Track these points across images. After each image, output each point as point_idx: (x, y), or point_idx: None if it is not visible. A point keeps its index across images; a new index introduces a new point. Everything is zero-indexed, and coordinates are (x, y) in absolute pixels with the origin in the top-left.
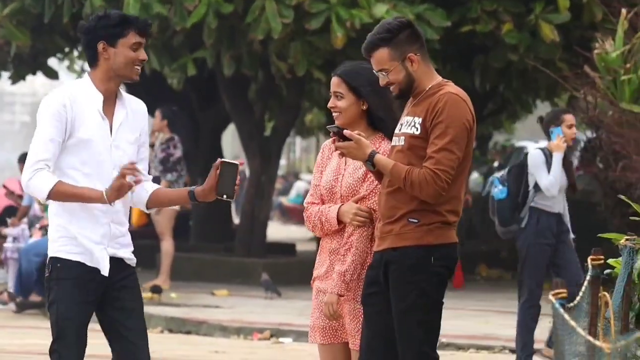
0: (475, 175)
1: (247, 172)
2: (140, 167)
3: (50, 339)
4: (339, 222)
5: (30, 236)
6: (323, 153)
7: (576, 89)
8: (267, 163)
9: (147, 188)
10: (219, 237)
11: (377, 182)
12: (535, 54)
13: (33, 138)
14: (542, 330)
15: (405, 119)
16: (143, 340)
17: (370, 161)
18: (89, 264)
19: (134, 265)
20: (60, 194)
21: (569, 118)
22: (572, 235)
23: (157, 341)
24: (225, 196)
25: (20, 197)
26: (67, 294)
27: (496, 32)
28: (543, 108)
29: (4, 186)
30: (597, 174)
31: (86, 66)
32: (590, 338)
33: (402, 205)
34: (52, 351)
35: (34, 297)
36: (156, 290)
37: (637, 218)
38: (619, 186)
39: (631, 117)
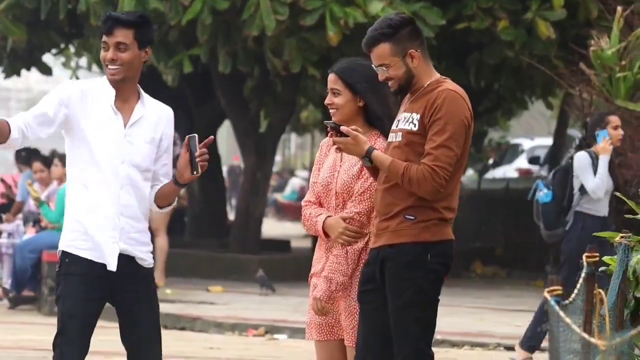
0: (470, 172)
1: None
2: (162, 171)
3: (44, 335)
4: (326, 234)
5: (25, 232)
6: (321, 151)
7: (571, 86)
8: (262, 160)
9: (157, 189)
10: (214, 233)
11: (371, 179)
12: (531, 51)
13: None
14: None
15: (402, 115)
16: (154, 343)
17: (367, 157)
18: (97, 260)
19: (149, 266)
20: None
21: (614, 120)
22: None
23: None
24: (194, 172)
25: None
26: (73, 290)
27: (492, 29)
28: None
29: (2, 180)
30: None
31: (81, 62)
32: (586, 335)
33: (399, 201)
34: (55, 346)
35: (28, 293)
36: None
37: (632, 215)
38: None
39: (626, 115)
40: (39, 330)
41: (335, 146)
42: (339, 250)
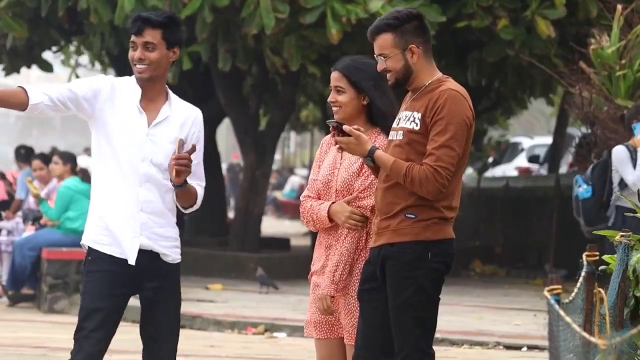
0: (469, 171)
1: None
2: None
3: (43, 333)
4: (330, 220)
5: (24, 230)
6: (322, 148)
7: (571, 85)
8: (261, 158)
9: None
10: (214, 231)
11: (372, 177)
12: (531, 49)
13: None
14: (538, 326)
15: (403, 113)
16: (169, 339)
17: (370, 157)
18: (118, 255)
19: (174, 262)
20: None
21: None
22: None
23: None
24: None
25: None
26: (94, 285)
27: (492, 27)
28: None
29: (3, 175)
30: None
31: (81, 60)
32: (586, 334)
33: (400, 200)
34: (74, 340)
35: (27, 290)
36: None
37: (631, 214)
38: None
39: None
40: (38, 328)
41: (338, 145)
42: (339, 247)
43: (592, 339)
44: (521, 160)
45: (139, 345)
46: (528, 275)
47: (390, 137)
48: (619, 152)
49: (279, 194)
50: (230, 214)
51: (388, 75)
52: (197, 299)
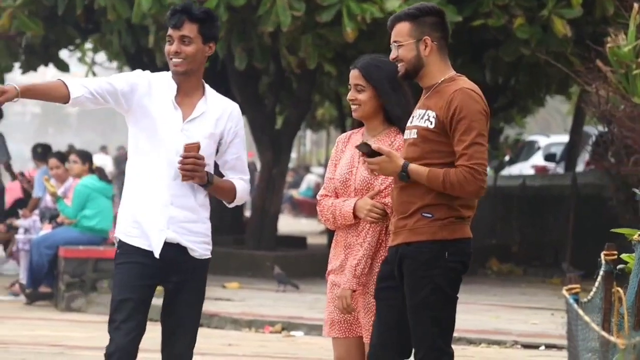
0: None
1: (258, 165)
2: (226, 166)
3: (60, 331)
4: (355, 216)
5: (41, 228)
6: (337, 146)
7: (588, 83)
8: (278, 156)
9: None
10: (230, 230)
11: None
12: (547, 48)
13: None
14: (556, 325)
15: (417, 111)
16: (188, 333)
17: (404, 171)
18: (145, 247)
19: (202, 258)
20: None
21: None
22: None
23: None
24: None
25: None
26: (122, 277)
27: (508, 26)
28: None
29: (22, 173)
30: (608, 168)
31: (97, 58)
32: (605, 333)
33: (416, 200)
34: (108, 332)
35: (44, 289)
36: None
37: None
38: (631, 181)
39: None
40: (56, 326)
41: (370, 169)
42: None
43: (611, 339)
44: (538, 159)
45: (156, 345)
46: (545, 274)
47: (405, 136)
48: None
49: (295, 192)
50: (247, 213)
51: (399, 65)
52: (214, 297)
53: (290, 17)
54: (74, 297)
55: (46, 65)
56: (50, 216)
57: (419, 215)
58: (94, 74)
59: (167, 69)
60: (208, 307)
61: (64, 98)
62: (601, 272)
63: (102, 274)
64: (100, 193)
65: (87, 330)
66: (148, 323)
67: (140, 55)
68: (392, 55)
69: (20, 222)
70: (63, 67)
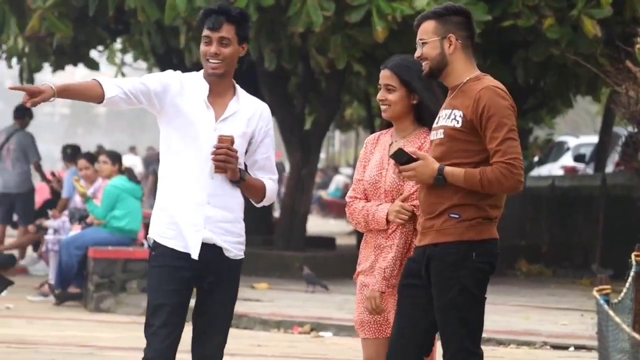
0: None
1: (287, 166)
2: (256, 165)
3: (89, 331)
4: (388, 221)
5: (70, 229)
6: (366, 148)
7: (617, 84)
8: (307, 157)
9: None
10: (259, 230)
11: None
12: (577, 48)
13: None
14: (586, 326)
15: (443, 112)
16: (219, 333)
17: (440, 174)
18: (180, 249)
19: (236, 258)
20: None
21: None
22: None
23: None
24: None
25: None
26: (157, 281)
27: (538, 26)
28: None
29: (53, 174)
30: (638, 169)
31: (126, 59)
32: (635, 334)
33: (444, 200)
34: (145, 336)
35: (73, 289)
36: None
37: None
38: None
39: None
40: (85, 327)
41: (404, 176)
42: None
43: None
44: (567, 160)
45: (185, 345)
46: (574, 274)
47: (431, 137)
48: None
49: (324, 193)
50: (276, 213)
51: (423, 64)
52: (243, 298)
53: (322, 17)
54: (103, 297)
55: (75, 65)
56: (80, 217)
57: (446, 216)
58: (123, 75)
59: (196, 70)
60: (237, 307)
61: (99, 98)
62: (632, 273)
63: (131, 275)
64: (129, 194)
65: (116, 331)
66: None
67: (169, 55)
68: (417, 53)
69: (49, 223)
70: (93, 66)
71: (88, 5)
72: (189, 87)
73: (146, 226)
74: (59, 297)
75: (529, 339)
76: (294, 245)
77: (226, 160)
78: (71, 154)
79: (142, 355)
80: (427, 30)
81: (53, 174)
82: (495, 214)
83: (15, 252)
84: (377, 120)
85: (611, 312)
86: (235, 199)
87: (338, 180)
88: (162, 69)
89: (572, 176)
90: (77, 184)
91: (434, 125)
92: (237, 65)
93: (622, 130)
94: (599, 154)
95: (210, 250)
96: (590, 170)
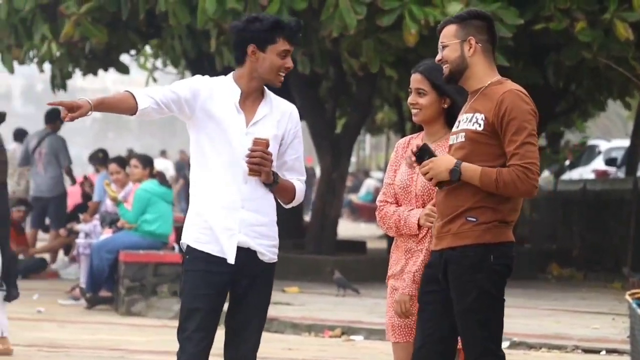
0: (546, 174)
1: (318, 170)
2: (285, 167)
3: (120, 335)
4: (419, 226)
5: (101, 233)
6: (397, 152)
7: None
8: (337, 160)
9: None
10: (290, 234)
11: None
12: (609, 52)
13: None
14: (619, 330)
15: (464, 115)
16: (252, 338)
17: (457, 167)
18: (215, 253)
19: (270, 262)
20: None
21: None
22: None
23: None
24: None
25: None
26: (192, 285)
27: (569, 30)
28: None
29: (85, 177)
30: None
31: (157, 64)
32: None
33: (462, 202)
34: (178, 340)
35: (104, 293)
36: None
37: None
38: None
39: None
40: (116, 330)
41: (421, 171)
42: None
43: None
44: (598, 163)
45: (215, 349)
46: (606, 278)
47: (450, 142)
48: None
49: (355, 196)
50: (306, 217)
51: (444, 67)
52: (273, 301)
53: (355, 20)
54: (134, 301)
55: (107, 69)
56: (111, 221)
57: (464, 219)
58: (154, 80)
59: (227, 73)
60: (268, 311)
61: (132, 109)
62: None
63: (162, 278)
64: (160, 197)
65: (147, 335)
66: None
67: (200, 60)
68: (437, 57)
69: (80, 227)
70: (124, 71)
71: (120, 10)
72: (218, 91)
73: (177, 230)
74: (90, 301)
75: (561, 343)
76: (325, 249)
77: (261, 163)
78: (102, 158)
79: (172, 358)
80: (448, 34)
81: (85, 178)
82: (512, 217)
83: (47, 256)
84: (408, 124)
85: None
86: (268, 202)
87: (369, 184)
88: (194, 74)
89: (604, 180)
90: (108, 188)
91: (454, 129)
92: None
93: None
94: (631, 157)
95: (244, 253)
96: (621, 174)
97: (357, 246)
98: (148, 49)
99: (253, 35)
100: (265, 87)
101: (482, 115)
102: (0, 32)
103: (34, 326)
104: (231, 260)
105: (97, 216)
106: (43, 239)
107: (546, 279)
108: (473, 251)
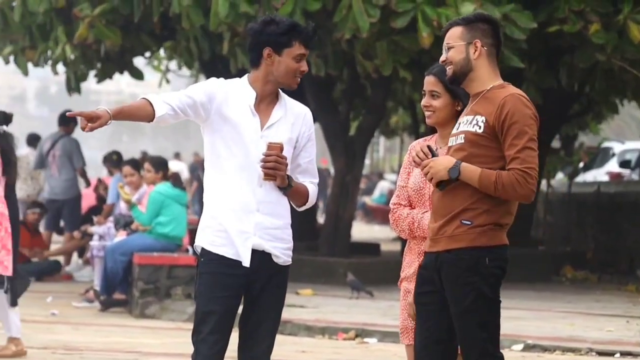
0: (560, 176)
1: (332, 171)
2: (298, 170)
3: (134, 337)
4: None
5: (115, 235)
6: (410, 154)
7: None
8: (351, 163)
9: None
10: (303, 236)
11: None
12: (623, 54)
13: None
14: (634, 333)
15: (464, 118)
16: (265, 341)
17: (456, 166)
18: (230, 256)
19: (284, 264)
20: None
21: None
22: None
23: None
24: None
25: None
26: (207, 288)
27: (583, 32)
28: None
29: (100, 180)
30: None
31: (171, 66)
32: None
33: (457, 202)
34: (193, 343)
35: (118, 296)
36: None
37: None
38: None
39: None
40: (130, 333)
41: (422, 170)
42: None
43: None
44: (612, 165)
45: (229, 352)
46: (620, 281)
47: (449, 144)
48: None
49: (368, 199)
50: (320, 219)
51: (447, 68)
52: (287, 304)
53: (368, 23)
54: (148, 303)
55: (122, 73)
56: (125, 223)
57: (458, 222)
58: (168, 81)
59: (240, 76)
60: (282, 313)
61: (150, 117)
62: None
63: (176, 281)
64: (174, 200)
65: (161, 337)
66: None
67: (214, 62)
68: (442, 57)
69: (94, 229)
70: (138, 76)
71: (133, 12)
72: (234, 94)
73: (191, 232)
74: (104, 303)
75: (575, 346)
76: (339, 251)
77: (276, 168)
78: (117, 160)
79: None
80: (453, 35)
81: (99, 180)
82: (507, 220)
83: (61, 258)
84: (422, 127)
85: None
86: (283, 206)
87: (382, 186)
88: (208, 76)
89: (618, 182)
90: (122, 191)
91: (454, 131)
92: None
93: None
94: None
95: (259, 256)
96: (635, 176)
97: (370, 248)
98: (162, 51)
99: (269, 38)
100: (280, 90)
101: (483, 118)
102: (15, 34)
103: (48, 329)
104: (246, 263)
105: (111, 218)
106: (57, 242)
107: (560, 281)
108: (468, 254)
